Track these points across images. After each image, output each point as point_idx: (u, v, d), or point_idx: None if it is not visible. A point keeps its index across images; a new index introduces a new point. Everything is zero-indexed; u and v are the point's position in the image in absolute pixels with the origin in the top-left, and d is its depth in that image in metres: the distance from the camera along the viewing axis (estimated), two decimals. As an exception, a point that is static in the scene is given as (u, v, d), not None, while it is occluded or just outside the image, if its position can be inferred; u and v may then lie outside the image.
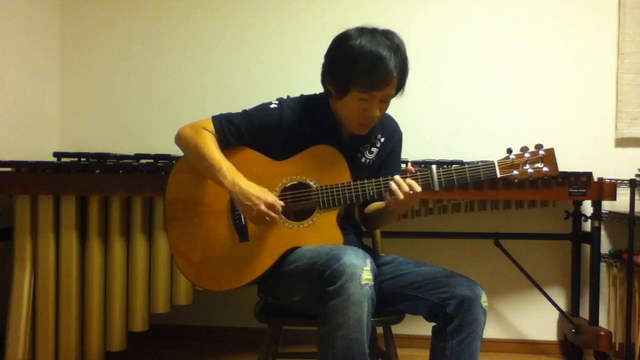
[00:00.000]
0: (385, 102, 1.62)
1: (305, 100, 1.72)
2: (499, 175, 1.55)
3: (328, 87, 1.64)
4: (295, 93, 1.76)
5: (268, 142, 1.68)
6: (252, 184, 1.60)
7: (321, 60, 1.66)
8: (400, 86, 1.60)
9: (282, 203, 1.61)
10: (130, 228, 2.20)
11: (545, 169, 1.55)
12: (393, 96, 1.61)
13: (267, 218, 1.58)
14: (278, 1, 2.84)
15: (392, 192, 1.54)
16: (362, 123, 1.63)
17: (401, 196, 1.53)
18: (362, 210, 1.84)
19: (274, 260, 1.61)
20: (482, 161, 1.57)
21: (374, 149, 1.74)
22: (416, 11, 2.78)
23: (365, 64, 1.52)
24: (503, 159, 1.56)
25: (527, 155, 1.56)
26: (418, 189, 1.54)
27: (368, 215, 1.80)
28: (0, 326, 2.22)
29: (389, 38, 1.57)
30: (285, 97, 1.74)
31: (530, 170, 1.55)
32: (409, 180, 1.55)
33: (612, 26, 2.71)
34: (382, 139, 1.75)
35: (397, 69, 1.55)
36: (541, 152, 1.56)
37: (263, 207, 1.56)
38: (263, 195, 1.58)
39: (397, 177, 1.55)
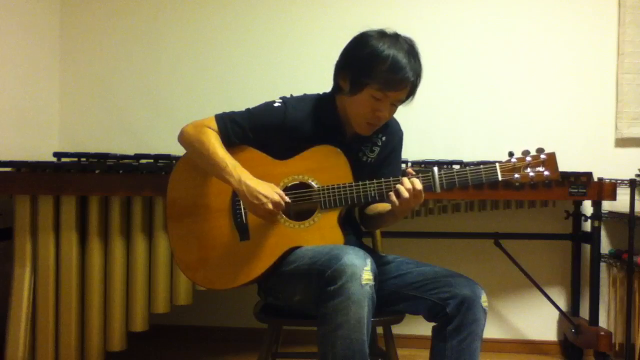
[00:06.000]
0: (395, 106, 1.64)
1: (309, 100, 1.72)
2: (500, 178, 1.56)
3: (341, 83, 1.65)
4: (296, 93, 1.76)
5: (271, 141, 1.68)
6: (258, 180, 1.60)
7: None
8: (411, 93, 1.63)
9: (287, 199, 1.61)
10: (130, 228, 2.20)
11: (546, 172, 1.56)
12: (402, 102, 1.64)
13: (274, 217, 1.59)
14: (278, 1, 2.84)
15: (397, 192, 1.54)
16: (369, 123, 1.64)
17: (406, 195, 1.53)
18: (363, 210, 1.84)
19: (274, 259, 1.61)
20: (483, 163, 1.58)
21: (376, 148, 1.75)
22: (417, 11, 2.78)
23: (387, 64, 1.55)
24: (505, 162, 1.57)
25: (528, 159, 1.57)
26: (419, 186, 1.55)
27: (369, 216, 1.80)
28: (0, 326, 2.21)
29: (409, 44, 1.61)
30: (288, 96, 1.75)
31: (531, 174, 1.56)
32: (413, 179, 1.55)
33: (612, 26, 2.71)
34: (384, 138, 1.76)
35: (415, 76, 1.59)
36: (542, 156, 1.56)
37: (270, 206, 1.57)
38: (270, 193, 1.58)
39: (402, 177, 1.56)
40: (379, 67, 1.55)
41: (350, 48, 1.64)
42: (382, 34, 1.60)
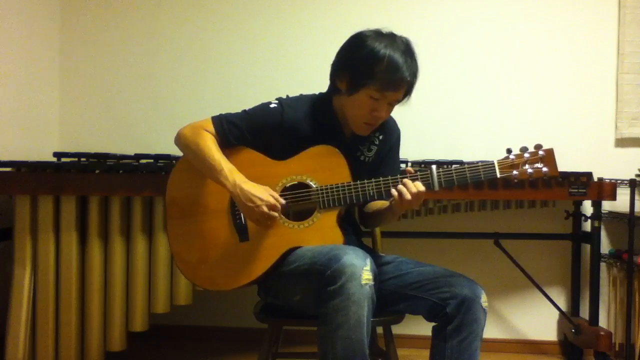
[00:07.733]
0: (392, 106, 1.64)
1: (306, 100, 1.73)
2: (498, 175, 1.56)
3: (338, 84, 1.65)
4: (295, 93, 1.76)
5: (268, 142, 1.68)
6: (253, 184, 1.60)
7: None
8: (408, 92, 1.63)
9: (282, 201, 1.61)
10: (130, 228, 2.20)
11: (544, 169, 1.56)
12: (399, 101, 1.64)
13: (269, 220, 1.59)
14: (278, 1, 2.84)
15: (399, 193, 1.55)
16: (367, 123, 1.64)
17: (409, 197, 1.54)
18: (362, 208, 1.84)
19: (274, 260, 1.61)
20: (481, 161, 1.58)
21: (373, 147, 1.75)
22: (416, 11, 2.78)
23: (385, 65, 1.55)
24: (503, 159, 1.57)
25: (526, 155, 1.57)
26: (422, 188, 1.55)
27: (368, 214, 1.81)
28: (0, 326, 2.22)
29: (405, 44, 1.60)
30: (284, 96, 1.75)
31: (529, 171, 1.56)
32: (417, 182, 1.55)
33: (612, 26, 2.71)
34: (381, 137, 1.76)
35: (412, 75, 1.59)
36: (540, 153, 1.57)
37: (265, 209, 1.57)
38: (265, 196, 1.58)
39: (406, 179, 1.56)
40: (377, 67, 1.55)
41: (347, 49, 1.64)
42: (378, 34, 1.60)
